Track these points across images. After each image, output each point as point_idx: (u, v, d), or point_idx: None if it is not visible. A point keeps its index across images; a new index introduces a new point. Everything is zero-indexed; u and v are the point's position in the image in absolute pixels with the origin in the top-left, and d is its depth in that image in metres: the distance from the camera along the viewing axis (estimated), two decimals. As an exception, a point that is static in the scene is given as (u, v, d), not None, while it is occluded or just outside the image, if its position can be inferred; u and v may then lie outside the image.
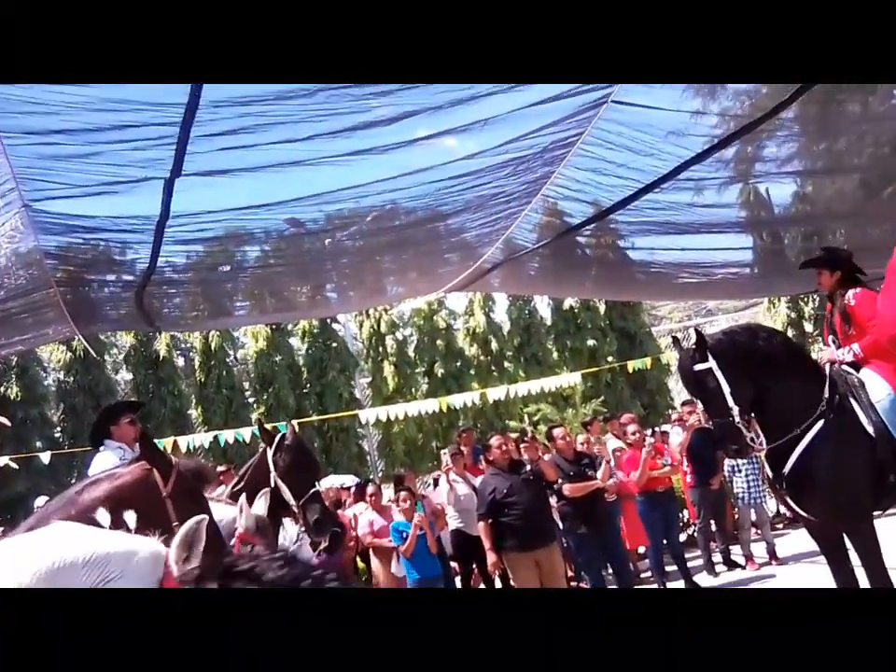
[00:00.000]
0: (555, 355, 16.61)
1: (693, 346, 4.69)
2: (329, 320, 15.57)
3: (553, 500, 8.08)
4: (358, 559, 8.79)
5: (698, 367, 4.59)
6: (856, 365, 4.88)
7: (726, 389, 4.53)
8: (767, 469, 4.87)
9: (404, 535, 7.30)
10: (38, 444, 13.21)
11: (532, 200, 6.99)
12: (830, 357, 4.97)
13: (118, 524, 3.08)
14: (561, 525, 8.67)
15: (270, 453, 5.29)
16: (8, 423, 4.86)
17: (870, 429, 4.61)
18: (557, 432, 7.92)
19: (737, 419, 4.52)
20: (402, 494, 7.48)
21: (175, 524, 3.16)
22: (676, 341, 4.87)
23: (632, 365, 14.67)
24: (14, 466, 11.11)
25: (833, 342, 5.10)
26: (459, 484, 8.32)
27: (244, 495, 4.44)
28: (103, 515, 3.13)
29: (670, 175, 6.11)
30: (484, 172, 6.03)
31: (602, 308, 16.74)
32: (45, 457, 11.34)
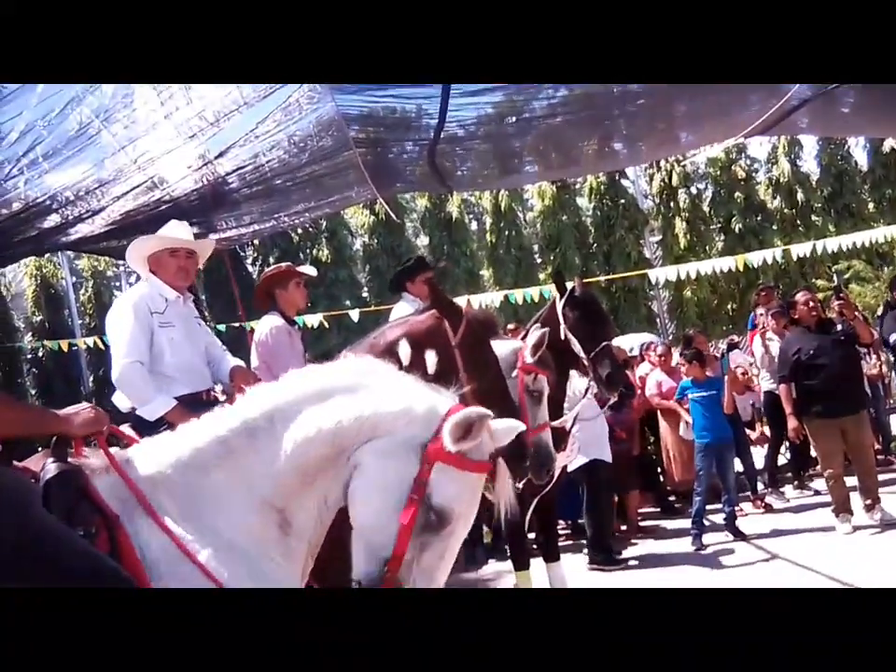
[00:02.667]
0: (872, 205, 14.80)
1: None
2: (617, 175, 15.01)
3: (872, 359, 7.39)
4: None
5: None
6: None
7: None
8: None
9: (689, 394, 7.02)
10: (347, 303, 14.32)
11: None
12: None
13: (417, 362, 3.21)
14: (880, 387, 7.96)
15: (560, 304, 5.25)
16: (315, 271, 5.24)
17: None
18: None
19: None
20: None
21: (461, 373, 3.23)
22: None
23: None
24: (326, 324, 12.24)
25: None
26: (774, 343, 7.85)
27: (536, 329, 4.56)
28: (404, 348, 3.28)
29: None
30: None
31: (931, 149, 14.57)
32: (354, 315, 12.36)
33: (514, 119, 8.16)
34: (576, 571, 6.28)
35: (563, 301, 5.24)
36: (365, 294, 15.35)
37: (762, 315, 8.21)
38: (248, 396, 2.14)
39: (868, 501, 6.51)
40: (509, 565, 5.47)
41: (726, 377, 7.05)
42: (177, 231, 3.92)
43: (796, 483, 8.29)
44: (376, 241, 15.24)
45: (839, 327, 6.66)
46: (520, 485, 4.04)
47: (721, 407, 6.79)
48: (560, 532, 7.60)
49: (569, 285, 5.32)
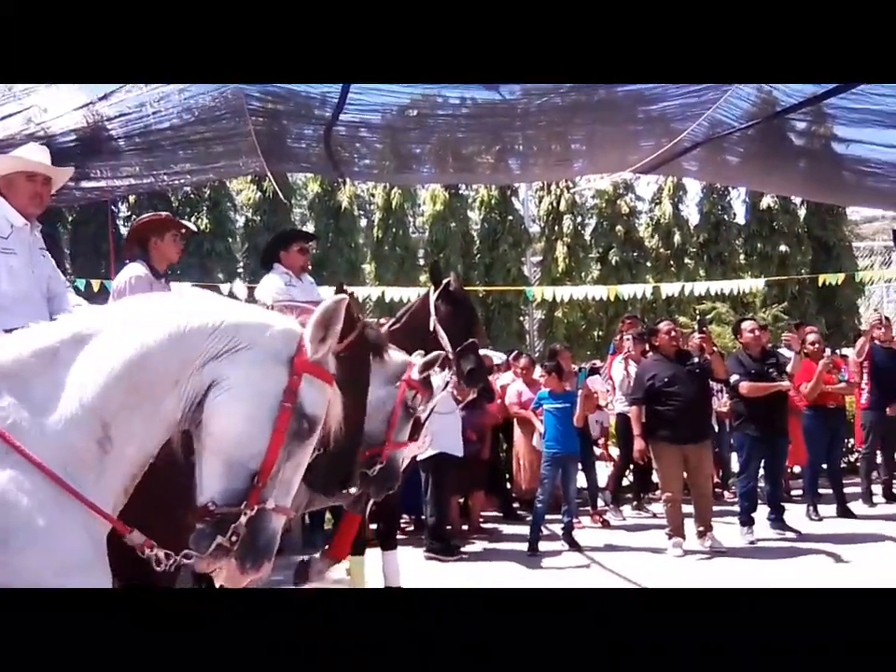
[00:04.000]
0: (742, 257, 15.61)
1: None
2: (508, 192, 15.29)
3: (724, 398, 7.75)
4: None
5: None
6: None
7: None
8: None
9: (544, 405, 7.17)
10: (220, 276, 13.95)
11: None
12: None
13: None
14: (726, 424, 8.36)
15: (433, 296, 5.24)
16: (195, 228, 5.02)
17: None
18: (747, 325, 7.47)
19: None
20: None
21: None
22: None
23: (823, 278, 13.63)
24: (195, 295, 11.82)
25: None
26: (634, 368, 8.13)
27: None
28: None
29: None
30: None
31: (802, 213, 15.51)
32: (224, 289, 12.00)
33: (416, 115, 8.16)
34: (412, 562, 6.33)
35: (437, 293, 5.23)
36: (240, 270, 14.98)
37: (627, 339, 8.47)
38: (81, 310, 2.02)
39: (701, 528, 6.81)
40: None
41: (580, 392, 7.24)
42: (36, 155, 3.66)
43: (635, 503, 8.60)
44: (259, 218, 14.91)
45: (696, 359, 6.94)
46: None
47: (573, 420, 6.97)
48: (403, 525, 7.65)
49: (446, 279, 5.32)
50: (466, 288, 8.49)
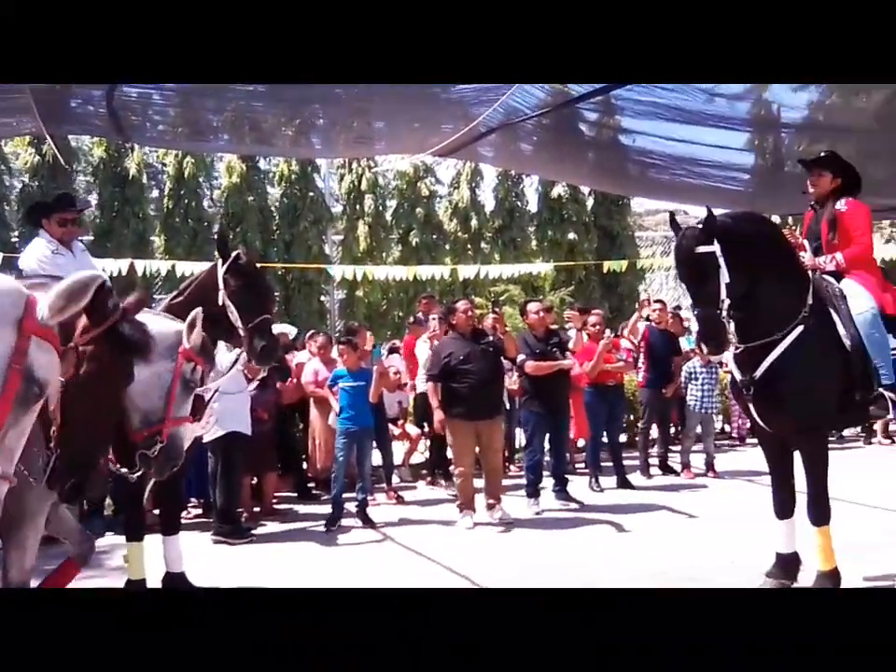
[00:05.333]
0: (534, 243, 16.25)
1: (700, 225, 4.36)
2: (309, 168, 14.99)
3: (514, 376, 7.98)
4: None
5: (701, 249, 4.26)
6: (835, 274, 4.69)
7: (724, 278, 4.24)
8: (735, 372, 4.69)
9: (340, 383, 7.10)
10: (-8, 243, 12.70)
11: (541, 57, 6.51)
12: (811, 262, 4.76)
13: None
14: (517, 401, 8.64)
15: (221, 270, 5.00)
16: None
17: (847, 342, 4.45)
18: (532, 307, 7.73)
19: (724, 312, 4.28)
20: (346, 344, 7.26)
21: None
22: (674, 219, 4.53)
23: (608, 265, 14.50)
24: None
25: (814, 249, 4.86)
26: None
27: (196, 311, 4.15)
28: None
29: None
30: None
31: (590, 203, 16.35)
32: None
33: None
34: (198, 547, 6.08)
35: (225, 267, 4.99)
36: (15, 238, 13.71)
37: (433, 319, 8.54)
38: None
39: (490, 501, 7.02)
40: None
41: (375, 369, 7.25)
42: None
43: (429, 479, 8.73)
44: (38, 184, 13.70)
45: (490, 338, 7.11)
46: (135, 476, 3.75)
47: (368, 397, 6.97)
48: (191, 509, 7.34)
49: (235, 252, 5.10)
50: (265, 265, 8.21)
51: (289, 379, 7.94)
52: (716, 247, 4.23)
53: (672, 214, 4.66)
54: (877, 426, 10.47)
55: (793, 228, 5.30)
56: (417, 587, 4.37)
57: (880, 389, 4.41)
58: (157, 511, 5.36)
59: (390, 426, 8.49)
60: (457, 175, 16.02)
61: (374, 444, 7.56)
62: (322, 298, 15.32)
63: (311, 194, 15.02)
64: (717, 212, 4.44)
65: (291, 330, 9.29)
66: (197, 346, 3.99)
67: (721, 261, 4.22)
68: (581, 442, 9.17)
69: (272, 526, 7.12)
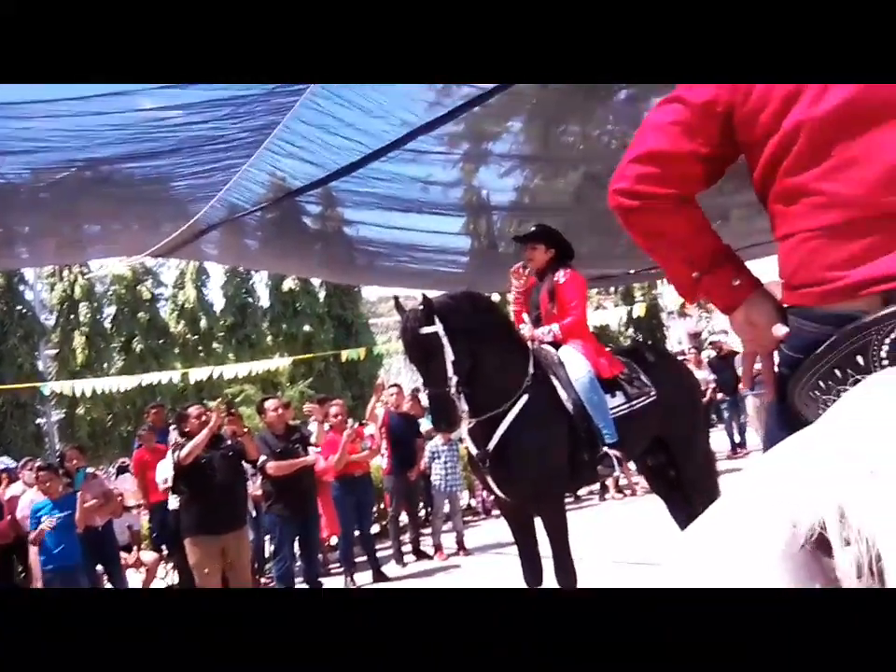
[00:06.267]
0: (269, 339, 16.03)
1: (420, 308, 4.42)
2: (15, 278, 13.79)
3: (258, 480, 7.59)
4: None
5: (425, 330, 4.31)
6: (554, 343, 4.96)
7: (449, 357, 4.31)
8: (471, 447, 4.74)
9: (42, 519, 6.20)
10: None
11: (254, 152, 6.44)
12: (530, 334, 5.00)
13: None
14: (262, 506, 8.20)
15: None
16: None
17: (568, 406, 4.66)
18: (269, 404, 7.42)
19: (454, 390, 4.34)
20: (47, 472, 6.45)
21: None
22: (398, 303, 4.57)
23: (346, 354, 14.56)
24: None
25: (535, 318, 5.13)
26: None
27: None
28: None
29: (397, 144, 5.88)
30: (200, 107, 5.40)
31: (322, 294, 16.47)
32: None
33: None
34: None
35: None
36: None
37: (173, 430, 7.96)
38: None
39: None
40: None
41: (79, 494, 6.51)
42: None
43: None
44: None
45: (228, 442, 6.71)
46: None
47: (75, 528, 6.20)
48: None
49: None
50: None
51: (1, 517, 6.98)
52: (438, 327, 4.30)
53: (396, 298, 4.70)
54: (609, 481, 11.17)
55: (524, 268, 5.49)
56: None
57: (605, 448, 4.67)
58: None
59: (122, 553, 7.67)
60: (181, 274, 15.52)
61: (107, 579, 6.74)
62: (38, 420, 13.97)
63: (19, 307, 13.80)
64: (438, 293, 4.55)
65: (5, 461, 8.27)
66: None
67: (445, 340, 4.30)
68: (334, 539, 8.89)
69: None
